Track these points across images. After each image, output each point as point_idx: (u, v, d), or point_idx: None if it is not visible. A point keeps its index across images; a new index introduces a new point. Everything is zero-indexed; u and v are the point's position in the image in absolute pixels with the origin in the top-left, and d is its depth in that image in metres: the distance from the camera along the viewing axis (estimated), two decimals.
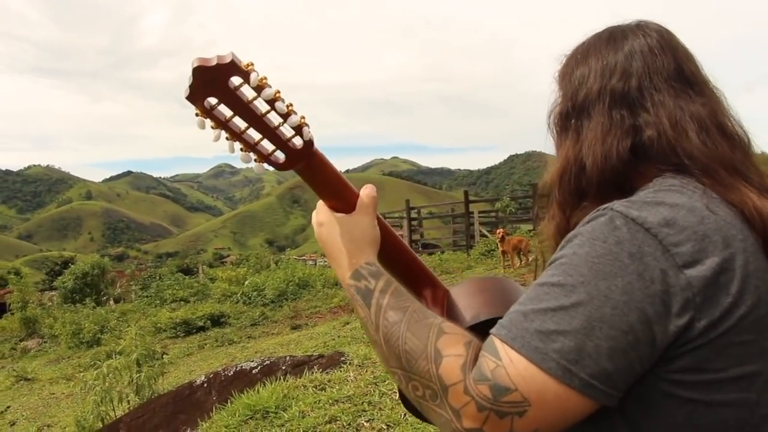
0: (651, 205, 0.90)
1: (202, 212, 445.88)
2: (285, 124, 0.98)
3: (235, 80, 0.93)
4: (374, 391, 4.43)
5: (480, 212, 21.05)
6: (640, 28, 1.11)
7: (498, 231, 13.27)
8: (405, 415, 3.99)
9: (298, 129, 0.99)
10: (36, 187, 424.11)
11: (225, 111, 0.97)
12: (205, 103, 0.95)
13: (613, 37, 1.11)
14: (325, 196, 1.12)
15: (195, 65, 0.91)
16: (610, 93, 1.05)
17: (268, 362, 5.41)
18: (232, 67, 0.92)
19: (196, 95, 0.94)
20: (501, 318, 0.92)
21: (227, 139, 0.99)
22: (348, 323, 9.45)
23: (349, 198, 1.11)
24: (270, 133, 0.99)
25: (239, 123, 0.98)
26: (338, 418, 4.08)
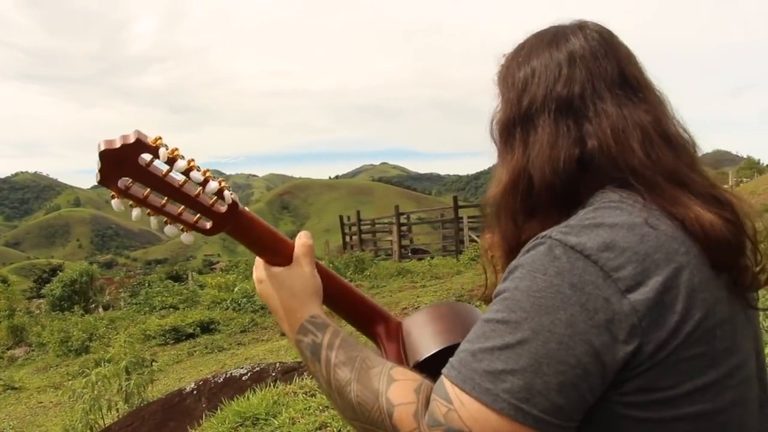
0: (589, 229, 0.89)
1: None
2: (204, 192, 0.99)
3: (146, 157, 0.94)
4: None
5: (469, 217, 21.07)
6: (582, 29, 1.07)
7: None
8: None
9: (219, 194, 1.00)
10: (23, 194, 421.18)
11: (141, 188, 0.97)
12: (120, 184, 0.96)
13: (555, 39, 1.07)
14: (261, 252, 1.13)
15: (101, 149, 0.92)
16: (556, 100, 1.01)
17: (257, 369, 5.40)
18: (139, 146, 0.93)
19: (108, 179, 0.95)
20: (458, 344, 0.92)
21: (149, 215, 1.00)
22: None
23: (285, 251, 1.12)
24: (191, 202, 1.00)
25: (158, 198, 0.99)
26: (328, 425, 4.07)
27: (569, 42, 1.05)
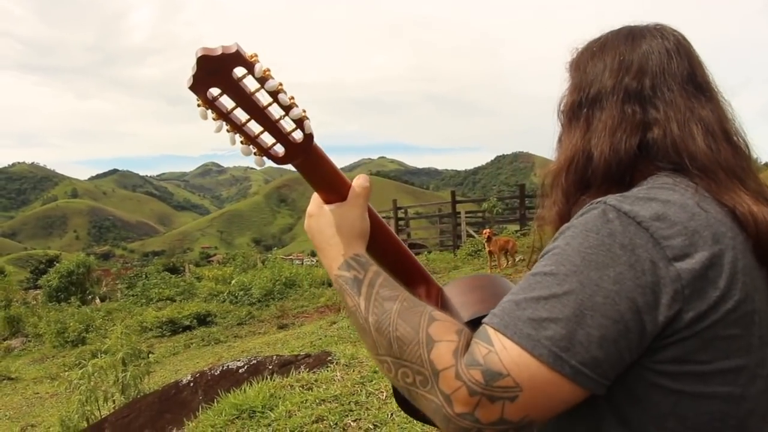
0: (643, 201, 0.92)
1: (188, 211, 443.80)
2: (286, 117, 0.98)
3: (239, 71, 0.93)
4: (361, 391, 4.43)
5: (467, 212, 21.07)
6: (659, 30, 1.13)
7: (485, 231, 13.18)
8: (392, 414, 4.00)
9: (300, 122, 0.99)
10: (21, 185, 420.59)
11: (227, 102, 0.96)
12: (208, 94, 0.95)
13: (631, 35, 1.12)
14: (322, 190, 1.11)
15: (199, 55, 0.91)
16: (625, 89, 1.06)
17: (254, 362, 5.40)
18: (237, 58, 0.91)
19: (198, 85, 0.93)
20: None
21: (228, 131, 0.99)
22: (335, 323, 9.45)
23: (345, 191, 1.11)
24: (271, 125, 0.98)
25: (240, 115, 0.97)
26: (325, 418, 4.08)
27: (645, 39, 1.11)
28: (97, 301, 24.34)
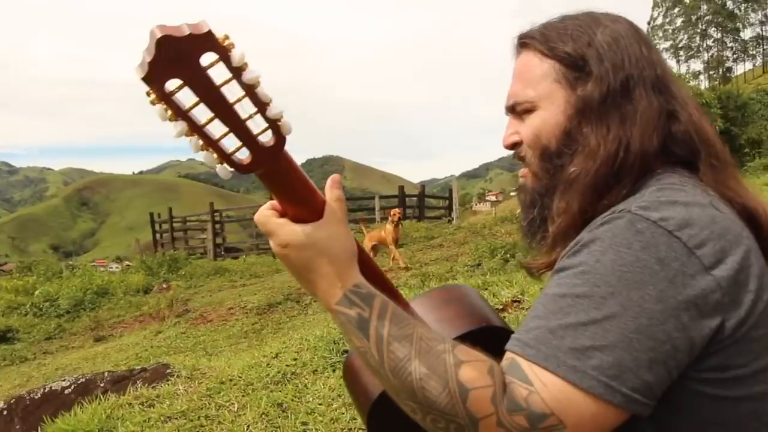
0: (666, 205, 0.89)
1: None
2: (255, 117, 0.81)
3: (209, 57, 0.75)
4: (210, 404, 4.14)
5: None
6: (626, 20, 1.09)
7: (394, 211, 10.79)
8: (248, 427, 3.78)
9: (274, 123, 0.82)
10: None
11: (188, 97, 0.77)
12: (166, 86, 0.75)
13: (606, 20, 1.07)
14: (290, 204, 0.94)
15: (158, 36, 0.71)
16: (648, 78, 1.02)
17: (82, 380, 4.89)
18: (208, 41, 0.73)
19: (155, 74, 0.74)
20: (476, 329, 0.91)
21: (186, 134, 0.79)
22: (160, 332, 8.93)
23: (316, 205, 0.94)
24: (238, 126, 0.81)
25: (201, 113, 0.79)
26: None
27: (637, 29, 1.08)
28: None
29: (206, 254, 21.33)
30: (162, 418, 4.01)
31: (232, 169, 0.84)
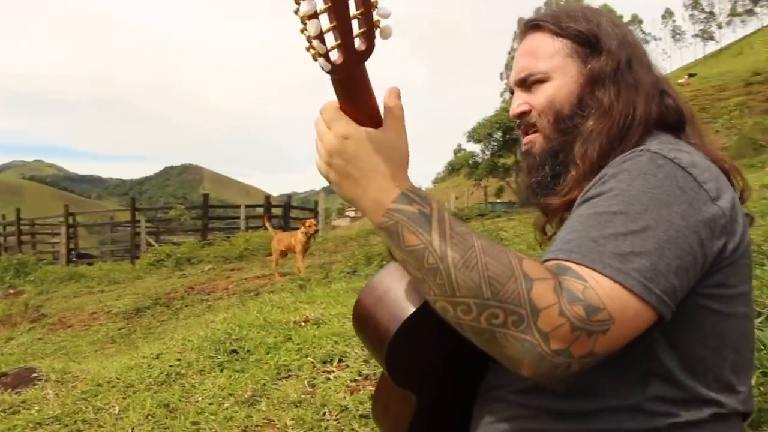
0: (675, 151, 1.03)
1: None
2: (374, 11, 0.86)
3: None
4: (87, 408, 3.87)
5: (147, 221, 20.37)
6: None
7: (309, 222, 10.21)
8: (133, 429, 3.54)
9: (375, 26, 0.87)
10: None
11: None
12: None
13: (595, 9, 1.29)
14: (358, 112, 0.96)
15: None
16: (641, 58, 1.23)
17: None
18: None
19: None
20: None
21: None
22: (12, 338, 8.23)
23: (378, 118, 0.98)
24: (343, 21, 0.84)
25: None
26: None
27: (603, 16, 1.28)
28: None
29: (58, 259, 20.17)
30: (31, 425, 3.72)
31: (329, 65, 0.86)
